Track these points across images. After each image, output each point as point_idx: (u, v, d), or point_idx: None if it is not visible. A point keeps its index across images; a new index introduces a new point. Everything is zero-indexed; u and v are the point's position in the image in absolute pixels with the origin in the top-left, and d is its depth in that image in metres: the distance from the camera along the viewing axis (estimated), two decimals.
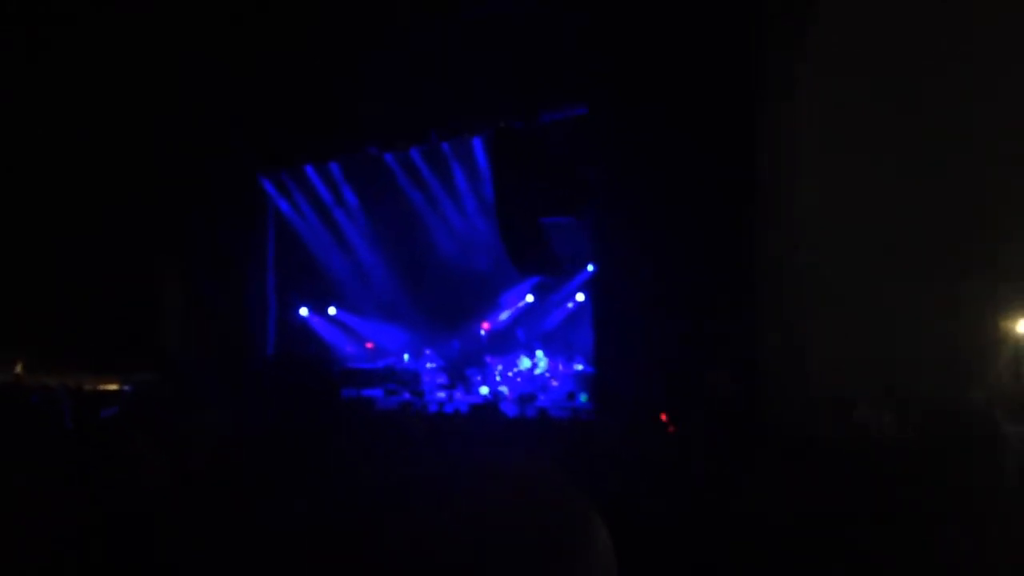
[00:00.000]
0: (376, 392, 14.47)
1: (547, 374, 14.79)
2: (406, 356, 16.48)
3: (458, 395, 14.52)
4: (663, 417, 7.45)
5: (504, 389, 14.54)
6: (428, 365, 15.75)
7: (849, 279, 8.73)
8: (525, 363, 15.11)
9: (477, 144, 15.10)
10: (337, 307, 17.55)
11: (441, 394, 14.64)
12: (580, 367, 14.46)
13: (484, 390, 14.70)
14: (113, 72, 14.16)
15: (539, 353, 15.09)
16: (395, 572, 0.85)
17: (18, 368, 14.83)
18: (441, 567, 0.83)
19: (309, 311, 17.47)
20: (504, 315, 16.74)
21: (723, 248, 9.80)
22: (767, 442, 5.43)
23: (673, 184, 10.17)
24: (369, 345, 17.38)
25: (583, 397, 13.37)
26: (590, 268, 13.66)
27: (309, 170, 16.52)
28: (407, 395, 14.22)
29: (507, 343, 16.26)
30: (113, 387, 13.92)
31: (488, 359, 15.64)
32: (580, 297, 15.59)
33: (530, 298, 16.50)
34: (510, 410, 11.85)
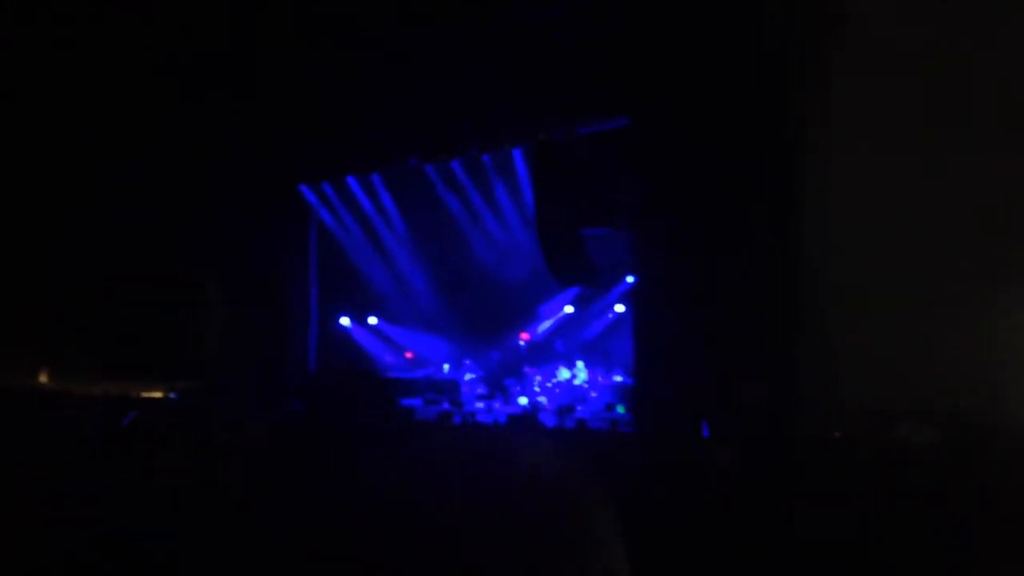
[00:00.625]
0: (415, 401, 14.58)
1: (586, 385, 14.79)
2: (446, 366, 16.56)
3: (497, 405, 14.56)
4: (705, 430, 7.44)
5: (543, 400, 14.55)
6: (467, 376, 15.81)
7: (888, 288, 8.64)
8: (564, 374, 15.11)
9: (517, 156, 15.19)
10: (377, 317, 17.68)
11: (480, 404, 14.69)
12: (619, 378, 14.42)
13: (523, 400, 14.72)
14: (153, 81, 14.36)
15: (580, 364, 15.08)
16: (401, 569, 0.87)
17: (43, 376, 14.99)
18: (450, 562, 0.87)
19: (350, 321, 17.63)
20: (543, 326, 16.78)
21: (762, 259, 9.77)
22: (805, 454, 5.42)
23: (711, 194, 10.16)
24: (408, 355, 17.50)
25: (621, 408, 13.33)
26: (629, 279, 13.64)
27: (351, 181, 16.74)
28: (446, 405, 14.28)
29: (546, 354, 16.27)
30: (157, 395, 14.12)
31: (527, 370, 15.66)
32: (620, 308, 15.60)
33: (569, 309, 16.52)
34: (549, 421, 11.87)
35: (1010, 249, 8.34)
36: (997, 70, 8.19)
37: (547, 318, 16.79)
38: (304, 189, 16.69)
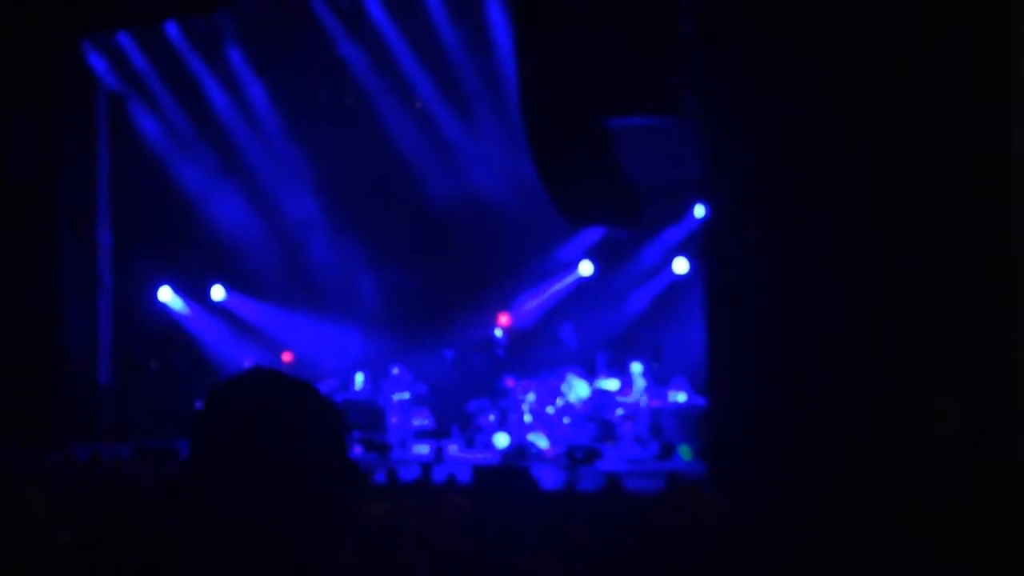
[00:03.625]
0: None
1: (644, 401, 14.73)
2: (358, 377, 16.52)
3: (452, 449, 14.66)
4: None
5: (539, 440, 14.54)
6: (397, 395, 15.76)
7: None
8: (579, 389, 15.09)
9: None
10: (227, 286, 17.77)
11: (422, 448, 14.72)
12: (682, 396, 14.45)
13: (502, 441, 14.70)
14: None
15: (635, 368, 15.01)
16: None
17: None
18: None
19: (175, 292, 17.69)
20: (536, 301, 16.93)
21: (949, 183, 9.70)
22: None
23: (859, 58, 10.06)
24: (287, 357, 17.46)
25: (686, 452, 13.32)
26: (698, 212, 13.58)
27: (172, 29, 16.61)
28: (358, 449, 14.27)
29: (543, 351, 16.38)
30: None
31: (509, 382, 15.64)
32: (680, 267, 15.65)
33: (586, 268, 16.59)
34: (548, 477, 11.84)
35: None
36: None
37: (544, 285, 16.92)
38: (88, 50, 16.63)
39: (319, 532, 2.07)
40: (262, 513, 2.02)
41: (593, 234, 16.13)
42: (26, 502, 3.81)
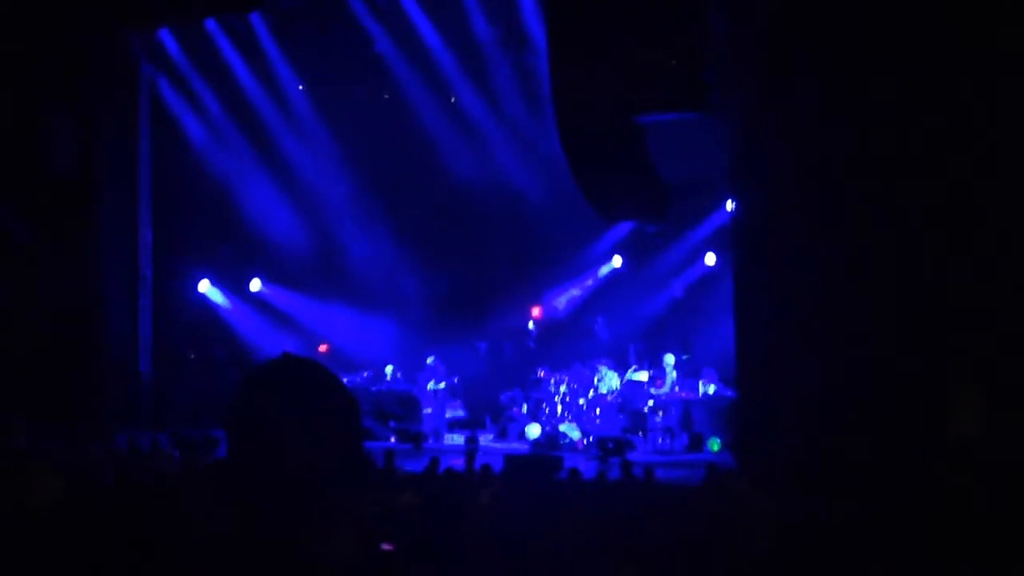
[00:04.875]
0: None
1: (675, 390, 14.63)
2: (389, 369, 16.52)
3: (486, 439, 14.60)
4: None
5: (571, 429, 14.50)
6: (431, 385, 15.78)
7: None
8: (609, 380, 15.02)
9: None
10: (264, 279, 17.81)
11: (455, 438, 14.71)
12: (711, 388, 14.48)
13: (534, 431, 14.70)
14: None
15: (668, 359, 14.94)
16: None
17: None
18: None
19: (213, 285, 17.75)
20: (568, 295, 16.91)
21: (981, 183, 9.70)
22: None
23: (891, 56, 10.07)
24: (323, 348, 17.55)
25: (715, 445, 13.31)
26: (728, 206, 13.58)
27: (212, 26, 16.65)
28: (392, 439, 14.29)
29: (575, 343, 16.34)
30: None
31: (542, 373, 15.61)
32: (710, 260, 15.58)
33: (616, 262, 16.55)
34: (582, 467, 11.84)
35: None
36: None
37: (576, 279, 16.90)
38: (133, 43, 16.55)
39: (327, 518, 2.12)
40: (276, 495, 2.07)
41: (623, 228, 16.09)
42: (35, 490, 3.85)
